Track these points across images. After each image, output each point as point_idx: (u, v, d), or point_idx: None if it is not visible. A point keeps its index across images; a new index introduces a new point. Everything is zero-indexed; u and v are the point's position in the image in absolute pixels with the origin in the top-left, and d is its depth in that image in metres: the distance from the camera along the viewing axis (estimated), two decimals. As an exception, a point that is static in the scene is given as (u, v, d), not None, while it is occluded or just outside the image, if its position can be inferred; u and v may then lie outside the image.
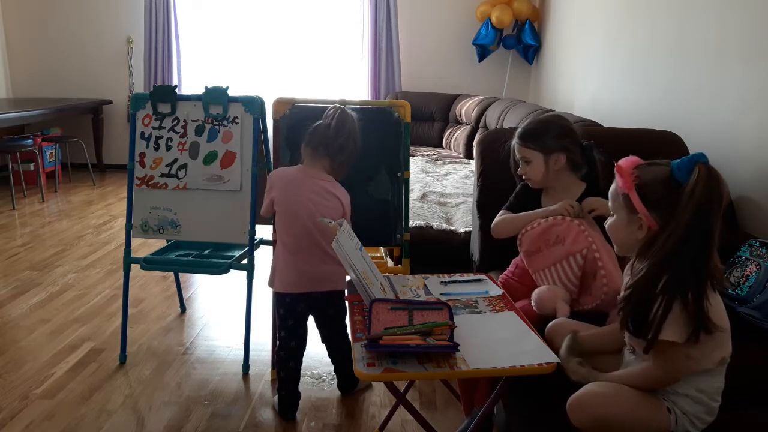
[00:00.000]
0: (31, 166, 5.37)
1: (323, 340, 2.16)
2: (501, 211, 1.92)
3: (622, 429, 1.28)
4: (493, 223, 1.91)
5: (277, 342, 2.07)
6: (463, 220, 2.89)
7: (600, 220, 1.56)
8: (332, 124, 1.97)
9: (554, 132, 1.80)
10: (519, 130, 1.87)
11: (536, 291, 1.67)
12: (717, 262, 1.21)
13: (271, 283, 2.05)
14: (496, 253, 2.08)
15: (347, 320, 1.79)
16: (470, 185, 3.66)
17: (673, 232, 1.17)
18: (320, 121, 2.00)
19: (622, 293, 1.29)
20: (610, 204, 1.34)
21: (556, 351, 1.40)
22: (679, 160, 1.21)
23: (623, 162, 1.27)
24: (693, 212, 1.15)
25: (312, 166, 2.00)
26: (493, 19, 5.33)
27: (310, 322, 2.10)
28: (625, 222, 1.26)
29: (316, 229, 1.91)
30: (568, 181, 1.84)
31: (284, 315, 2.03)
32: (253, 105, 2.32)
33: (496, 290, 1.78)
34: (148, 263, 2.39)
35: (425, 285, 1.82)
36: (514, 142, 1.87)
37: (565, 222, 1.68)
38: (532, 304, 1.65)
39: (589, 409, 1.27)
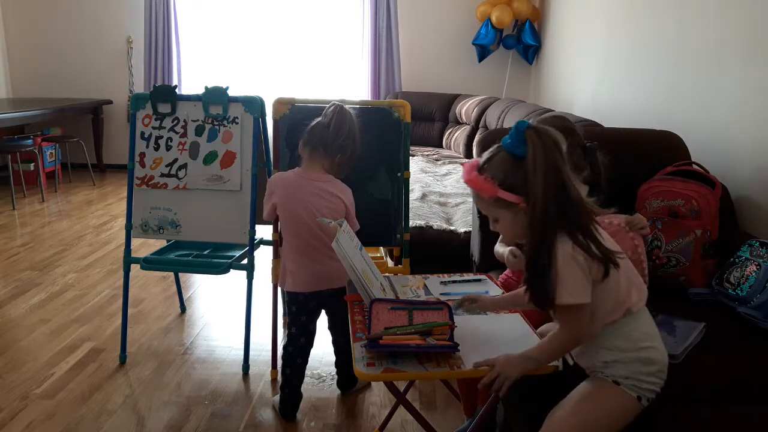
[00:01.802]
0: (31, 166, 5.37)
1: (330, 328, 2.17)
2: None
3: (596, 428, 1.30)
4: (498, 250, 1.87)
5: (285, 338, 2.07)
6: (463, 220, 2.89)
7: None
8: (332, 124, 1.95)
9: None
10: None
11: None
12: (580, 198, 1.23)
13: (281, 284, 2.06)
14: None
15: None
16: (470, 185, 3.65)
17: (536, 200, 1.19)
18: (319, 119, 1.99)
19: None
20: (485, 213, 1.32)
21: None
22: (508, 139, 1.23)
23: (467, 175, 1.27)
24: (543, 175, 1.18)
25: (311, 167, 1.99)
26: (493, 19, 5.33)
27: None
28: (511, 217, 1.26)
29: (320, 229, 1.91)
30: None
31: (296, 312, 2.04)
32: (253, 105, 2.32)
33: (496, 290, 1.78)
34: (148, 263, 2.39)
35: (425, 285, 1.82)
36: None
37: (611, 227, 1.67)
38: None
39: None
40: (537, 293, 1.24)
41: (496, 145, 1.28)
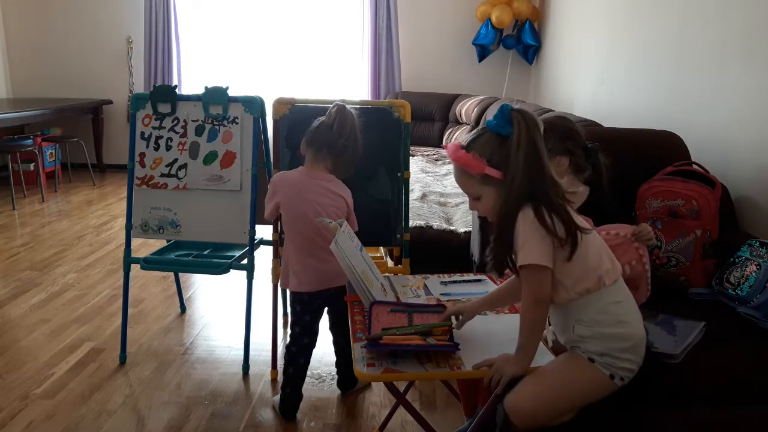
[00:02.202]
0: (31, 166, 5.37)
1: (331, 327, 2.17)
2: None
3: (568, 408, 1.35)
4: None
5: (289, 338, 2.07)
6: (463, 220, 2.89)
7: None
8: (335, 124, 1.96)
9: (557, 134, 1.78)
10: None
11: None
12: (552, 176, 1.32)
13: (284, 284, 2.06)
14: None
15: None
16: (470, 185, 3.65)
17: (515, 175, 1.28)
18: (322, 119, 2.00)
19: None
20: (468, 192, 1.39)
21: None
22: (495, 120, 1.32)
23: (455, 153, 1.34)
24: (525, 153, 1.28)
25: (314, 167, 2.00)
26: (493, 19, 5.33)
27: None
28: (495, 194, 1.33)
29: (324, 228, 1.91)
30: (571, 185, 1.83)
31: (301, 311, 2.04)
32: (253, 105, 2.32)
33: (496, 290, 1.78)
34: (148, 263, 2.39)
35: (425, 285, 1.82)
36: None
37: (618, 238, 1.67)
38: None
39: (526, 408, 1.32)
40: (499, 258, 1.33)
41: (480, 127, 1.38)
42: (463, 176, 1.37)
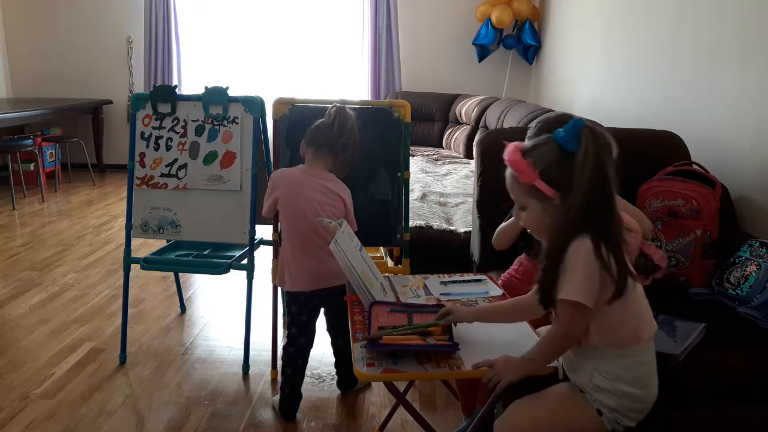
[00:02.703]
0: (31, 166, 5.37)
1: (329, 329, 2.17)
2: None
3: None
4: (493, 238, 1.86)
5: (285, 339, 2.07)
6: (463, 220, 2.89)
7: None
8: (335, 124, 1.97)
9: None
10: (527, 140, 1.85)
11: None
12: (617, 211, 1.20)
13: (281, 283, 2.06)
14: (496, 253, 2.07)
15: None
16: (470, 185, 3.66)
17: (575, 200, 1.17)
18: (322, 120, 2.01)
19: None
20: (514, 199, 1.30)
21: None
22: (563, 132, 1.20)
23: (511, 155, 1.24)
24: (590, 176, 1.15)
25: (314, 165, 2.01)
26: (493, 19, 5.33)
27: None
28: (540, 210, 1.24)
29: (322, 226, 1.92)
30: None
31: (297, 312, 2.04)
32: (253, 105, 2.32)
33: (496, 290, 1.78)
34: (148, 263, 2.39)
35: (425, 285, 1.82)
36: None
37: None
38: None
39: (518, 426, 1.31)
40: (548, 291, 1.22)
41: (545, 135, 1.25)
42: (512, 180, 1.28)
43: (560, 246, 1.19)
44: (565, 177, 1.18)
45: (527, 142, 1.27)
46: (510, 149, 1.25)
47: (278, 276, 2.07)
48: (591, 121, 1.19)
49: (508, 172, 1.27)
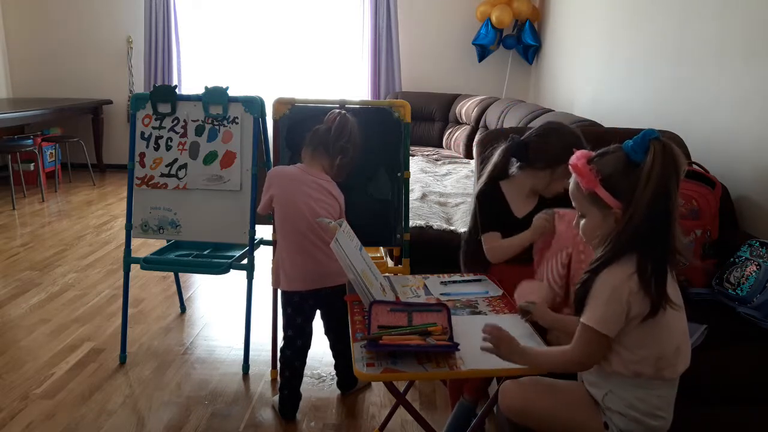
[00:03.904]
0: (31, 166, 5.37)
1: (326, 332, 2.16)
2: (487, 234, 1.85)
3: (550, 424, 1.31)
4: (489, 249, 1.84)
5: (282, 341, 2.07)
6: (463, 220, 2.89)
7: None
8: (333, 127, 2.00)
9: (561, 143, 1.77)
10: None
11: (521, 283, 1.65)
12: (680, 237, 1.17)
13: (276, 283, 2.05)
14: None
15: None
16: (470, 185, 3.66)
17: (635, 213, 1.14)
18: (322, 125, 2.03)
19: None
20: (576, 205, 1.29)
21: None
22: (632, 142, 1.18)
23: (578, 161, 1.23)
24: (653, 191, 1.13)
25: (311, 164, 2.02)
26: (493, 19, 5.33)
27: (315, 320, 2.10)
28: (600, 218, 1.22)
29: (318, 225, 1.92)
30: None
31: (292, 313, 2.03)
32: (253, 105, 2.32)
33: (496, 290, 1.78)
34: (148, 263, 2.39)
35: (425, 285, 1.82)
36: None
37: (562, 222, 1.66)
38: (515, 296, 1.63)
39: (519, 399, 1.32)
40: (580, 300, 1.21)
41: (615, 144, 1.23)
42: (574, 186, 1.26)
43: (611, 255, 1.17)
44: (628, 188, 1.16)
45: (599, 150, 1.25)
46: (577, 155, 1.24)
47: (273, 276, 2.06)
48: (670, 133, 1.16)
49: (572, 178, 1.26)
